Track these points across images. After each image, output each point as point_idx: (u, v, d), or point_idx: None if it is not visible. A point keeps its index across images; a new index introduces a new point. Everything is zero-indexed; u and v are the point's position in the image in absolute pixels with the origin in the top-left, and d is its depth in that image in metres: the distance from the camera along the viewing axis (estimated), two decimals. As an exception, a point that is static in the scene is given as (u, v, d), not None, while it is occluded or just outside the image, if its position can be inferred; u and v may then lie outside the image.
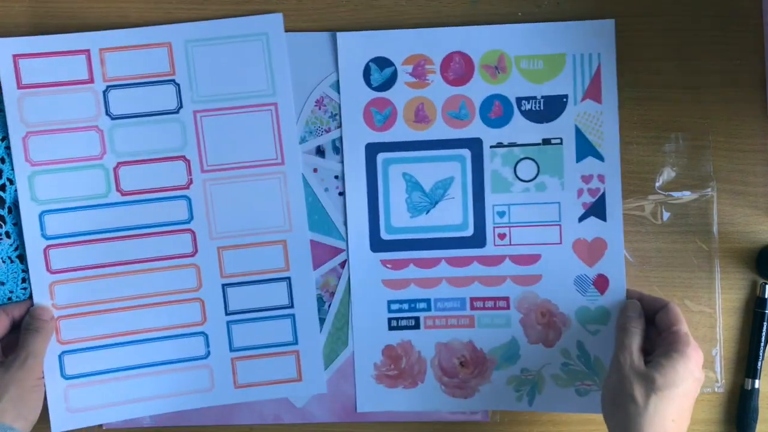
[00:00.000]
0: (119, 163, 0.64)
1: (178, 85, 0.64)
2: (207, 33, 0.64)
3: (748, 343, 0.66)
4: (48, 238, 0.64)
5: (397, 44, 0.64)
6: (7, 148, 0.63)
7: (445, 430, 0.67)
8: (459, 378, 0.66)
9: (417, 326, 0.66)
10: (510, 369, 0.66)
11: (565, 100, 0.64)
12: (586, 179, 0.64)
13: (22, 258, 0.64)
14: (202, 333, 0.66)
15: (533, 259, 0.65)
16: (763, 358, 0.66)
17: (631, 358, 0.59)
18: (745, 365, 0.66)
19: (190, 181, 0.65)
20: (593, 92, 0.64)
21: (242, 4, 0.65)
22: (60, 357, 0.64)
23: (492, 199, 0.65)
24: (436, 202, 0.65)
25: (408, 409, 0.66)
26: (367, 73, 0.64)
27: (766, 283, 0.66)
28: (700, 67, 0.66)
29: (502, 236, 0.65)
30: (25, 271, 0.64)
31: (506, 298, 0.65)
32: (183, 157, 0.64)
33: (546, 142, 0.64)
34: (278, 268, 0.65)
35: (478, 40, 0.64)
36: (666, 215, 0.66)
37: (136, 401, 0.65)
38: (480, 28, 0.64)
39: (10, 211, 0.64)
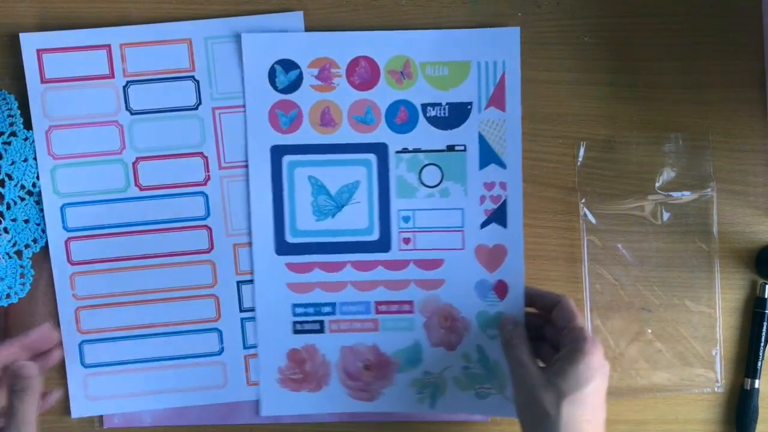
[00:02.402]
0: (138, 158, 0.64)
1: (198, 81, 0.64)
2: (227, 30, 0.64)
3: (748, 343, 0.67)
4: (69, 230, 0.64)
5: (303, 47, 0.64)
6: (5, 143, 0.63)
7: (444, 430, 0.67)
8: (363, 381, 0.65)
9: (322, 330, 0.65)
10: (413, 372, 0.65)
11: (469, 107, 0.64)
12: (489, 186, 0.64)
13: (21, 254, 0.64)
14: (217, 329, 0.66)
15: (437, 263, 0.65)
16: (763, 358, 0.66)
17: (528, 371, 0.58)
18: (745, 365, 0.67)
19: (208, 178, 0.65)
20: (497, 100, 0.64)
21: (260, 4, 0.64)
22: (80, 346, 0.65)
23: (397, 204, 0.65)
24: (342, 206, 0.65)
25: (312, 411, 0.66)
26: (272, 75, 0.64)
27: (766, 283, 0.66)
28: (700, 67, 0.66)
29: (407, 241, 0.65)
30: (23, 267, 0.64)
31: (410, 302, 0.65)
32: (201, 154, 0.65)
33: (450, 148, 0.64)
34: None
35: (383, 46, 0.64)
36: (666, 215, 0.66)
37: (151, 393, 0.65)
38: (386, 34, 0.64)
39: (8, 207, 0.64)
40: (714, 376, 0.67)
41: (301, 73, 0.64)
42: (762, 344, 0.66)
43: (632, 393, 0.67)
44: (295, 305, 0.65)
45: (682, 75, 0.66)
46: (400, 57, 0.64)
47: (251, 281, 0.65)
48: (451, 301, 0.65)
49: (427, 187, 0.65)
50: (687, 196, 0.66)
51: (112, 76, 0.63)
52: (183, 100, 0.64)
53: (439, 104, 0.64)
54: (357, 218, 0.65)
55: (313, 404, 0.66)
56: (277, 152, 0.64)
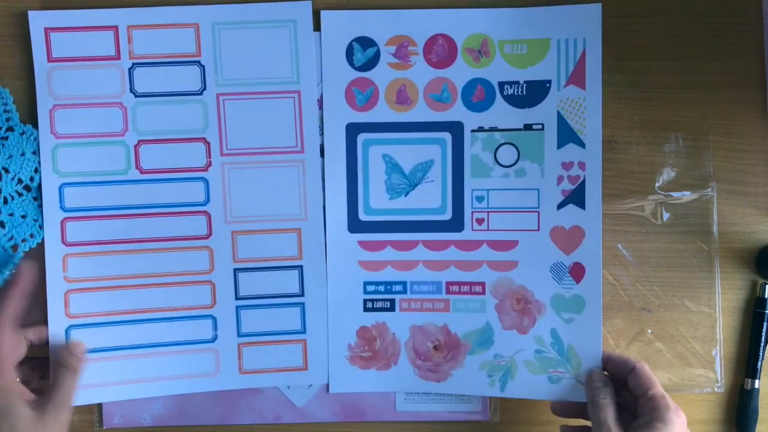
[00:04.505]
0: (140, 141, 0.64)
1: (203, 66, 0.64)
2: (235, 16, 0.64)
3: (748, 343, 0.67)
4: (66, 210, 0.64)
5: (381, 25, 0.64)
6: (2, 138, 0.63)
7: (444, 429, 0.67)
8: (432, 361, 0.65)
9: (392, 308, 0.65)
10: (483, 354, 0.65)
11: (548, 85, 0.64)
12: (567, 166, 0.64)
13: (16, 249, 0.64)
14: (211, 316, 0.65)
15: (510, 245, 0.64)
16: (763, 358, 0.66)
17: None
18: (745, 365, 0.66)
19: (209, 164, 0.65)
20: (577, 78, 0.64)
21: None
22: (67, 331, 0.64)
23: (471, 184, 0.64)
24: (416, 185, 0.65)
25: (381, 390, 0.66)
26: (350, 53, 0.64)
27: (766, 283, 0.66)
28: (700, 67, 0.66)
29: (480, 221, 0.64)
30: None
31: (482, 283, 0.65)
32: (203, 139, 0.64)
33: (527, 127, 0.64)
34: (291, 256, 0.65)
35: (461, 23, 0.64)
36: (666, 215, 0.66)
37: (140, 381, 0.65)
38: (464, 11, 0.64)
39: (6, 202, 0.63)
40: (714, 376, 0.66)
41: (378, 51, 0.64)
42: (762, 344, 0.66)
43: (632, 393, 0.67)
44: (367, 283, 0.65)
45: (682, 75, 0.66)
46: (478, 35, 0.64)
47: (248, 269, 0.65)
48: (525, 284, 0.64)
49: (503, 166, 0.64)
50: (687, 196, 0.66)
51: (118, 57, 0.63)
52: (188, 84, 0.64)
53: (517, 82, 0.64)
54: (430, 197, 0.65)
55: (382, 382, 0.65)
56: (353, 130, 0.64)
